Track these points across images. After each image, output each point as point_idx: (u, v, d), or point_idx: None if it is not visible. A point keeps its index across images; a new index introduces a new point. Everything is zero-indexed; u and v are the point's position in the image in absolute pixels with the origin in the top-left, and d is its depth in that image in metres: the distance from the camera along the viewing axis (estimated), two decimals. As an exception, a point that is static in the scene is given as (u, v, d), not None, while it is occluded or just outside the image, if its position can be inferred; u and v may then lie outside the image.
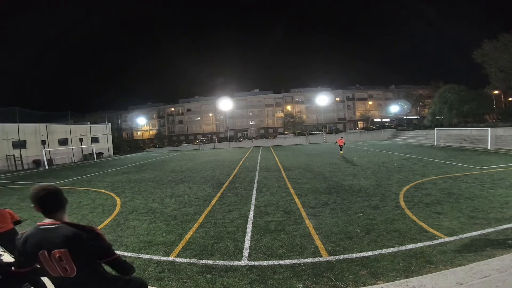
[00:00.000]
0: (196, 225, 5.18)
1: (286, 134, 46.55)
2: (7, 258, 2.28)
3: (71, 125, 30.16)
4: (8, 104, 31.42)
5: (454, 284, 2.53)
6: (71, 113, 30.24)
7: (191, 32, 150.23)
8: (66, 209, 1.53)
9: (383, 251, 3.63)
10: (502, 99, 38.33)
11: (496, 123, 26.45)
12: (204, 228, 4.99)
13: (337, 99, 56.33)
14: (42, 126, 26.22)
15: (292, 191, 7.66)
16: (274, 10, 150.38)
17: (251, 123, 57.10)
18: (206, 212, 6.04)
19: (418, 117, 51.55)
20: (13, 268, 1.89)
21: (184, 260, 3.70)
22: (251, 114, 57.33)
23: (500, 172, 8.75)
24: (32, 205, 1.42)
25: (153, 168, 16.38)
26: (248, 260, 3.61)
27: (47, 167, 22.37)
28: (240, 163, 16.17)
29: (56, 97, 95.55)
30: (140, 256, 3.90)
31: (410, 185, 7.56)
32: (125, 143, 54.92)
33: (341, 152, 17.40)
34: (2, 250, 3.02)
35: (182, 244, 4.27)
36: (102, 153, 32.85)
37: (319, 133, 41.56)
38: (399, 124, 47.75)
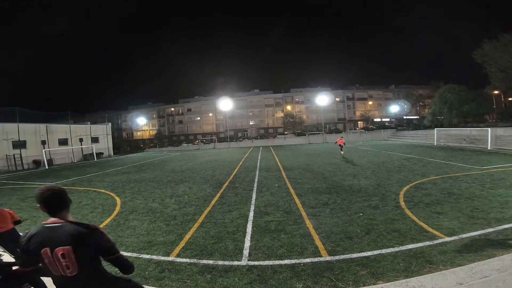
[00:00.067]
0: (196, 225, 5.18)
1: (286, 134, 46.53)
2: (7, 258, 2.28)
3: (71, 125, 30.16)
4: (8, 104, 31.45)
5: (454, 284, 2.53)
6: (71, 113, 30.27)
7: (191, 32, 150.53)
8: (70, 209, 1.58)
9: (383, 251, 3.63)
10: (502, 99, 38.33)
11: (496, 123, 26.47)
12: (204, 228, 5.00)
13: (337, 99, 56.30)
14: (42, 126, 26.23)
15: (292, 191, 7.66)
16: (274, 10, 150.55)
17: (251, 123, 57.07)
18: (206, 212, 6.04)
19: (418, 117, 51.54)
20: (15, 267, 1.89)
21: (184, 260, 3.70)
22: (251, 114, 57.29)
23: (500, 172, 8.76)
24: (38, 205, 1.46)
25: (153, 168, 16.38)
26: (248, 260, 3.61)
27: (47, 167, 22.37)
28: (240, 163, 16.17)
29: (56, 97, 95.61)
30: (140, 256, 3.90)
31: (410, 185, 7.56)
32: (125, 143, 54.90)
33: (342, 152, 17.37)
34: (2, 250, 3.02)
35: (182, 244, 4.27)
36: (102, 153, 32.87)
37: (319, 133, 41.54)
38: (399, 124, 47.73)
